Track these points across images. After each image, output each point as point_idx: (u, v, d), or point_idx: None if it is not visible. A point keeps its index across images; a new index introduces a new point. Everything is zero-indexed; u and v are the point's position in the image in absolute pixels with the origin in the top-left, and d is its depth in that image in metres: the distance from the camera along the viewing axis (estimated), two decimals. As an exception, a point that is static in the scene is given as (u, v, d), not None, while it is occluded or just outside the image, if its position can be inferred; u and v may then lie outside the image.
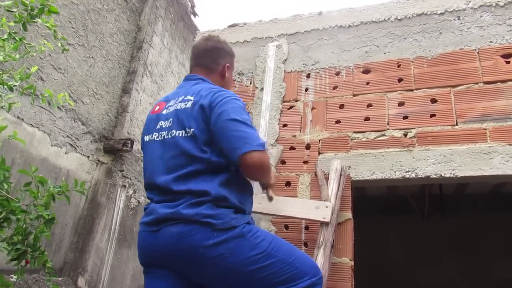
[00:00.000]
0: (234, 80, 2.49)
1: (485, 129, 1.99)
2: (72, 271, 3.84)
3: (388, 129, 2.15)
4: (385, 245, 5.22)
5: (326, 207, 1.92)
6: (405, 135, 2.12)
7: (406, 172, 2.03)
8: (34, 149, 3.63)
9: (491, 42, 2.15)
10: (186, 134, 1.56)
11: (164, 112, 1.66)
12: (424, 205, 4.68)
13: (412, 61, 2.26)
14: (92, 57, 4.40)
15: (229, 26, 2.62)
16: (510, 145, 1.92)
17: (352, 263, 1.97)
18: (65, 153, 3.93)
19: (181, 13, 5.92)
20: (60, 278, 3.75)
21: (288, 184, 2.20)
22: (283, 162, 2.25)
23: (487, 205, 4.83)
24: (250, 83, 2.47)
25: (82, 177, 4.08)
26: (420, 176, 2.00)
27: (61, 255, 3.81)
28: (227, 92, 1.63)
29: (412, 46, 2.30)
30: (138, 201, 4.96)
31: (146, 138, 1.69)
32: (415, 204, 4.75)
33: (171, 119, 1.62)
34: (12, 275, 3.25)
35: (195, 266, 1.45)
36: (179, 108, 1.63)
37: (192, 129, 1.54)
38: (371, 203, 5.16)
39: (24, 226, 1.79)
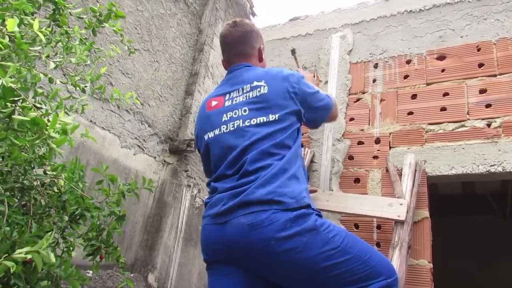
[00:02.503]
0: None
1: None
2: (142, 268, 3.99)
3: (469, 119, 1.96)
4: (461, 247, 4.86)
5: (401, 204, 1.79)
6: (489, 125, 1.92)
7: (491, 166, 1.84)
8: (106, 150, 3.82)
9: None
10: (268, 120, 1.54)
11: (228, 103, 1.65)
12: (506, 204, 4.28)
13: (495, 44, 2.05)
14: (156, 61, 4.56)
15: (290, 20, 2.56)
16: None
17: (431, 265, 1.82)
18: (134, 154, 4.09)
19: (240, 13, 5.97)
20: (132, 274, 3.91)
21: (357, 180, 2.08)
22: (350, 157, 2.13)
23: None
24: (314, 76, 2.39)
25: (150, 177, 4.22)
26: (508, 170, 1.80)
27: (132, 252, 3.97)
28: (289, 70, 1.68)
29: (494, 27, 2.08)
30: (203, 200, 5.05)
31: (210, 134, 1.66)
32: (495, 203, 4.36)
33: (245, 108, 1.60)
34: (89, 271, 3.44)
35: (265, 261, 1.38)
36: (251, 96, 1.61)
37: (277, 114, 1.54)
38: (445, 202, 4.84)
39: (98, 223, 1.86)
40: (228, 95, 1.67)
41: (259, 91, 1.57)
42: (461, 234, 4.87)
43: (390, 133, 2.07)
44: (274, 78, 1.58)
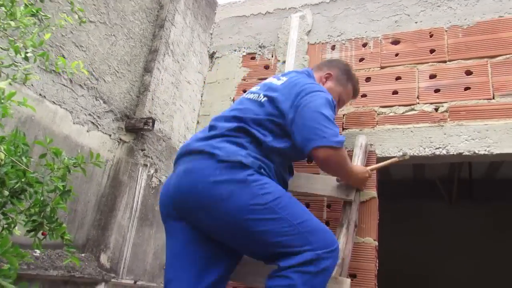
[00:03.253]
0: (262, 56, 2.41)
1: (526, 103, 1.84)
2: (94, 248, 3.89)
3: (418, 103, 2.03)
4: (409, 230, 5.08)
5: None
6: (436, 109, 1.99)
7: (436, 148, 1.91)
8: (56, 126, 3.65)
9: (534, 8, 1.97)
10: (265, 99, 1.69)
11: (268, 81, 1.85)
12: (452, 189, 4.51)
13: (446, 31, 2.11)
14: (113, 35, 4.38)
15: (251, -3, 2.52)
16: (553, 120, 1.77)
17: (376, 243, 1.88)
18: (87, 131, 3.94)
19: (203, -10, 5.80)
20: (83, 254, 3.80)
21: (310, 160, 2.11)
22: (304, 138, 2.15)
23: (520, 191, 4.62)
24: (272, 56, 2.38)
25: (104, 155, 4.10)
26: (451, 153, 1.88)
27: (84, 232, 3.86)
28: (320, 87, 1.73)
29: (447, 14, 2.14)
30: (160, 180, 4.97)
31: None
32: (442, 188, 4.58)
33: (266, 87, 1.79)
34: (36, 250, 3.31)
35: (196, 207, 1.45)
36: (273, 82, 1.79)
37: (274, 101, 1.67)
38: (397, 186, 5.02)
39: (42, 199, 1.78)
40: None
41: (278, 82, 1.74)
42: (412, 217, 5.10)
43: (343, 115, 2.11)
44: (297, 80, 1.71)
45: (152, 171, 4.58)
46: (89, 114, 3.90)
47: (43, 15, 2.13)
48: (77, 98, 3.76)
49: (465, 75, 1.96)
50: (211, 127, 1.65)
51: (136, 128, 4.27)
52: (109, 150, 4.09)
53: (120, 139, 4.27)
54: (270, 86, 1.74)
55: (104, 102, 4.01)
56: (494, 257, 4.62)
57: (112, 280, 3.90)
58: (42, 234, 1.82)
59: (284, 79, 1.74)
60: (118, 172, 4.18)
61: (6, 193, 1.72)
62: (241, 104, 1.71)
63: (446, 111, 1.93)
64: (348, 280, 1.51)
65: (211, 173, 1.42)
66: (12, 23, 1.56)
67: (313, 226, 1.44)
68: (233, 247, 1.50)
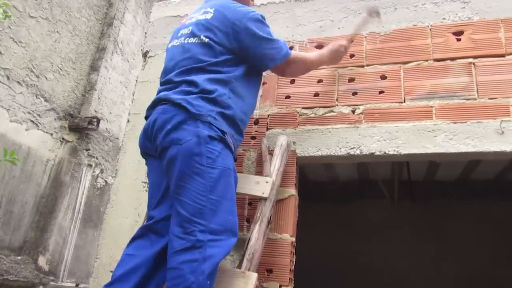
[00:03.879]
0: None
1: (432, 106, 1.96)
2: (32, 250, 3.77)
3: (337, 105, 2.11)
4: (356, 229, 5.24)
5: (267, 182, 1.89)
6: (353, 111, 2.08)
7: (351, 148, 2.00)
8: (-9, 124, 3.52)
9: (444, 19, 2.11)
10: (199, 41, 1.80)
11: (187, 22, 1.93)
12: (394, 189, 4.70)
13: (365, 37, 2.22)
14: (57, 31, 4.27)
15: (186, -3, 2.54)
16: (454, 123, 1.89)
17: (293, 239, 1.94)
18: (26, 129, 3.83)
19: (155, -10, 5.76)
20: (19, 257, 3.69)
21: (235, 159, 2.15)
22: (230, 137, 2.20)
23: (457, 192, 4.87)
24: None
25: (45, 155, 3.99)
26: (364, 153, 1.97)
27: (21, 234, 3.73)
28: (247, 8, 1.85)
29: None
30: (106, 181, 4.88)
31: (169, 45, 2.00)
32: (385, 189, 4.76)
33: (190, 28, 1.88)
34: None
35: (161, 148, 1.62)
36: (199, 18, 1.87)
37: (207, 39, 1.79)
38: (344, 187, 5.17)
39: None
40: (192, 15, 1.95)
41: (205, 16, 1.83)
42: (358, 217, 5.27)
43: (268, 115, 2.17)
44: (225, 9, 1.81)
45: (97, 171, 4.49)
46: (28, 112, 3.79)
47: (-36, 9, 2.08)
48: (14, 96, 3.64)
49: (380, 79, 2.07)
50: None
51: (80, 127, 4.18)
52: (50, 150, 3.99)
53: (63, 138, 4.17)
54: (198, 22, 1.86)
55: (46, 100, 3.91)
56: (430, 254, 4.86)
57: (51, 283, 3.80)
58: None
59: (211, 11, 1.84)
60: (59, 172, 4.08)
61: None
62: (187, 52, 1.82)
63: (362, 113, 2.03)
64: (255, 275, 1.56)
65: (180, 120, 1.63)
66: None
67: (225, 212, 1.53)
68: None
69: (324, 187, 5.02)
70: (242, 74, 1.78)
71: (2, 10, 2.05)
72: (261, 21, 1.80)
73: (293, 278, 1.87)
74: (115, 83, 4.87)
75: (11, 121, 3.60)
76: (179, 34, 1.88)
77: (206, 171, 1.54)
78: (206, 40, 1.76)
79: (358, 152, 1.95)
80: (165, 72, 1.88)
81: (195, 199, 1.47)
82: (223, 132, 1.64)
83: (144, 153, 1.86)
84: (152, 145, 1.72)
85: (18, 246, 3.74)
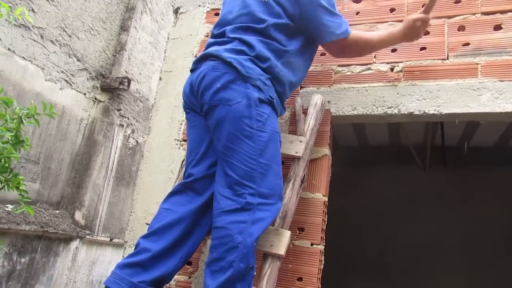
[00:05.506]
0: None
1: (477, 63, 1.85)
2: (69, 205, 3.93)
3: (375, 63, 2.03)
4: (386, 194, 5.19)
5: (300, 141, 1.86)
6: (392, 69, 1.99)
7: (388, 108, 1.93)
8: (27, 83, 3.61)
9: (495, -32, 1.95)
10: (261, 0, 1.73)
11: None
12: (426, 155, 4.58)
13: (407, -11, 2.09)
14: (87, -10, 4.25)
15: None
16: (501, 81, 1.78)
17: (326, 199, 1.93)
18: (60, 88, 3.90)
19: None
20: (57, 211, 3.86)
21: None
22: (263, 96, 2.16)
23: (492, 159, 4.71)
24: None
25: (79, 114, 4.08)
26: (402, 113, 1.90)
27: (58, 190, 3.89)
28: None
29: (409, -27, 2.11)
30: (137, 141, 4.98)
31: None
32: (416, 154, 4.64)
33: None
34: (8, 205, 3.36)
35: (208, 106, 1.60)
36: None
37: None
38: (374, 152, 5.09)
39: (-4, 150, 1.79)
40: None
41: None
42: (388, 183, 5.19)
43: (302, 73, 2.11)
44: None
45: (128, 131, 4.57)
46: (62, 72, 3.84)
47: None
48: (48, 55, 3.70)
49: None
50: None
51: (112, 87, 4.23)
52: (83, 109, 4.07)
53: (95, 98, 4.24)
54: None
55: (78, 60, 3.95)
56: (459, 222, 4.77)
57: (87, 236, 3.98)
58: (-6, 183, 1.83)
59: None
60: (93, 131, 4.18)
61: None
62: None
63: (401, 70, 1.94)
64: (288, 232, 1.56)
65: (230, 79, 1.60)
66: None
67: (274, 177, 1.52)
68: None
69: (354, 151, 4.96)
70: (298, 48, 1.71)
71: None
72: None
73: (324, 237, 1.87)
74: (145, 44, 4.86)
75: (46, 80, 3.67)
76: None
77: (256, 134, 1.51)
78: None
79: (396, 111, 1.88)
80: (221, 23, 1.80)
81: (245, 162, 1.46)
82: (271, 96, 1.61)
83: (188, 108, 1.82)
84: (198, 101, 1.68)
85: (56, 200, 3.91)
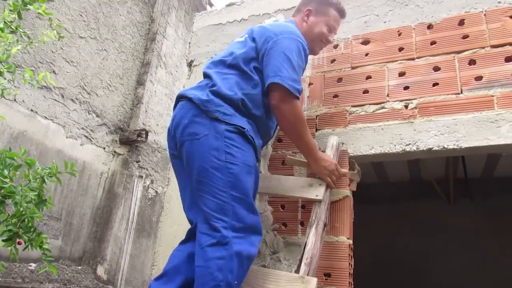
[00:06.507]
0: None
1: (492, 95, 1.84)
2: (91, 260, 3.92)
3: (388, 101, 2.04)
4: (409, 230, 5.03)
5: (320, 184, 1.84)
6: (406, 106, 2.00)
7: (406, 145, 1.91)
8: (49, 141, 3.72)
9: (499, 2, 1.98)
10: (241, 40, 1.89)
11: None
12: (449, 188, 4.47)
13: (414, 28, 2.13)
14: (105, 49, 4.46)
15: (227, 6, 2.58)
16: (519, 111, 1.77)
17: (350, 241, 1.88)
18: (81, 144, 4.01)
19: (195, 3, 5.91)
20: (79, 267, 3.85)
21: (284, 162, 2.12)
22: (279, 140, 2.18)
23: (519, 188, 4.56)
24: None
25: (99, 168, 4.16)
26: (421, 149, 1.88)
27: (80, 245, 3.90)
28: (296, 33, 1.79)
29: (414, 12, 2.16)
30: (156, 192, 5.01)
31: None
32: (439, 188, 4.54)
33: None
34: (31, 264, 3.36)
35: (180, 143, 1.64)
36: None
37: (245, 37, 1.87)
38: (394, 188, 5.00)
39: (21, 210, 1.82)
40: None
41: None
42: (412, 217, 5.05)
43: (316, 116, 2.13)
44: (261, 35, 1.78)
45: (148, 182, 4.62)
46: (82, 128, 3.97)
47: (23, 32, 2.21)
48: (69, 113, 3.83)
49: (433, 71, 1.97)
50: None
51: (130, 140, 4.33)
52: (103, 163, 4.15)
53: (115, 151, 4.33)
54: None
55: (97, 116, 4.08)
56: (490, 254, 4.56)
57: (110, 291, 3.90)
58: (18, 243, 1.85)
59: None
60: (113, 184, 4.23)
61: (-14, 205, 1.77)
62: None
63: (415, 107, 1.94)
64: (315, 280, 1.51)
65: (194, 114, 1.69)
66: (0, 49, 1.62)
67: (245, 210, 1.49)
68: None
69: (374, 188, 4.87)
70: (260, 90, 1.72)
71: (56, 32, 2.16)
72: (300, 47, 1.71)
73: (352, 282, 1.81)
74: (161, 96, 5.01)
75: (67, 137, 3.78)
76: None
77: (224, 166, 1.49)
78: (244, 38, 1.82)
79: (414, 148, 1.86)
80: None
81: (216, 195, 1.44)
82: (241, 126, 1.59)
83: (171, 154, 1.83)
84: (174, 143, 1.71)
85: (78, 256, 3.91)
